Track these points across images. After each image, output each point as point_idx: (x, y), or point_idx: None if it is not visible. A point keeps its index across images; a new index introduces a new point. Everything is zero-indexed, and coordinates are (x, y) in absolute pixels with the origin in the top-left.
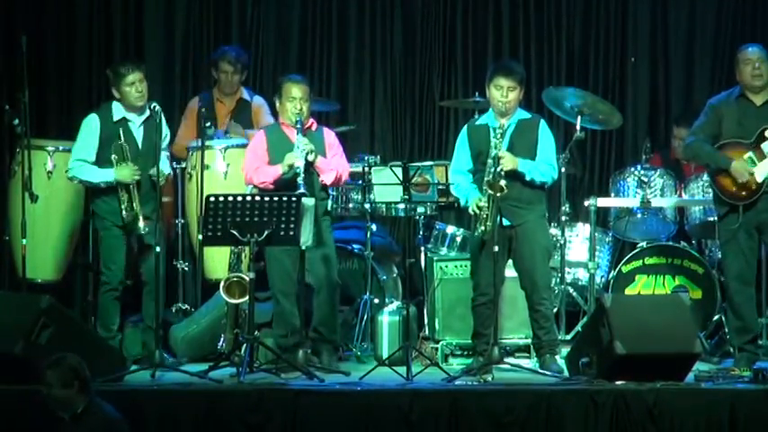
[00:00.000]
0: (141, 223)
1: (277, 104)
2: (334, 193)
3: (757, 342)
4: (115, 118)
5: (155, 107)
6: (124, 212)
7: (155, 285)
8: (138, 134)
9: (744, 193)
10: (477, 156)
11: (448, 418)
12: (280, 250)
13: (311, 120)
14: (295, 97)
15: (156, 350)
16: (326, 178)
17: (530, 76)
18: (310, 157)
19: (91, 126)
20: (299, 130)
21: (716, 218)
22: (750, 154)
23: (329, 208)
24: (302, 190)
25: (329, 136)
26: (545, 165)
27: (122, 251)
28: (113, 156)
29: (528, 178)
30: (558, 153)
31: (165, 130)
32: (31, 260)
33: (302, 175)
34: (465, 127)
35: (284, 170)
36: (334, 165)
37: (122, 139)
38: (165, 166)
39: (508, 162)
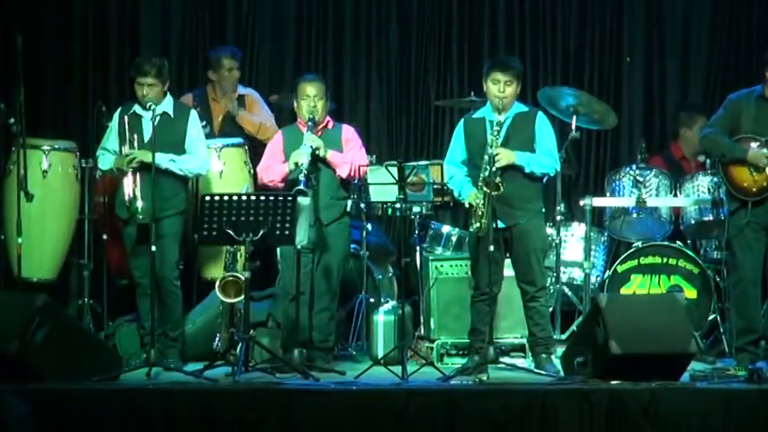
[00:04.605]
0: (139, 204)
1: (294, 105)
2: None
3: (759, 344)
4: (130, 111)
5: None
6: (126, 197)
7: (151, 284)
8: (147, 128)
9: (754, 189)
10: (471, 149)
11: (443, 417)
12: (295, 250)
13: (327, 118)
14: (309, 95)
15: (151, 349)
16: (341, 171)
17: (525, 75)
18: (320, 153)
19: (114, 117)
20: (310, 128)
21: (711, 218)
22: (765, 151)
23: (348, 208)
24: (302, 187)
25: (347, 132)
26: (545, 156)
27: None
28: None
29: (527, 171)
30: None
31: (194, 130)
32: (27, 259)
33: (305, 173)
34: (462, 119)
35: (290, 168)
36: (349, 158)
37: (127, 129)
38: (193, 165)
39: (504, 158)
